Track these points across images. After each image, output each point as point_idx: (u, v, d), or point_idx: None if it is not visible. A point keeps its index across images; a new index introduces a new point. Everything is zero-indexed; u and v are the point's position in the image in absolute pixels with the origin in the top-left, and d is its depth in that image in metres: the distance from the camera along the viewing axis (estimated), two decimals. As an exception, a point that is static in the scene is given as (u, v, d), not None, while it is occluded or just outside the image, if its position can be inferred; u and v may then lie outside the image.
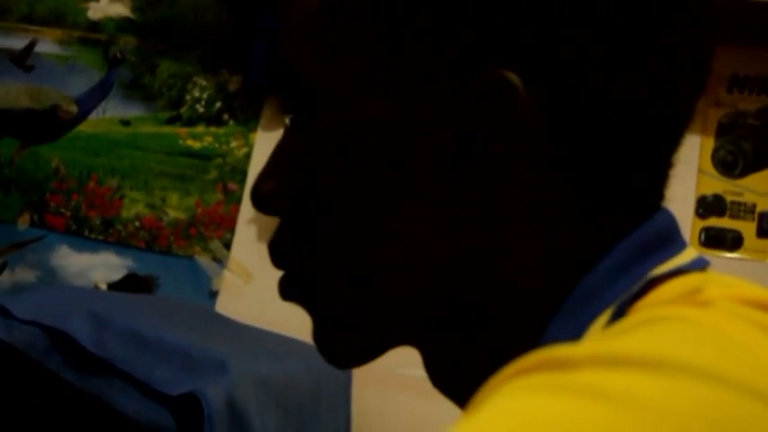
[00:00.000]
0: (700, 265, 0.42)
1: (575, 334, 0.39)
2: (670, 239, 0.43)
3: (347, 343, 0.46)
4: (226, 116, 1.82)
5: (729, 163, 1.60)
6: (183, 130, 1.83)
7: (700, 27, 0.43)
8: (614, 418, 0.26)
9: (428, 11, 0.41)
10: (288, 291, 0.47)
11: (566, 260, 0.42)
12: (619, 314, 0.37)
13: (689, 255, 0.43)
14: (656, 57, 0.41)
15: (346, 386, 1.51)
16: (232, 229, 1.77)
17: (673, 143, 0.44)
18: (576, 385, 0.28)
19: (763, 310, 0.34)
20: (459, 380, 0.45)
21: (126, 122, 1.86)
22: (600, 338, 0.36)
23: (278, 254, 0.46)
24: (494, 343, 0.43)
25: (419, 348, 0.46)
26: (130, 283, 1.78)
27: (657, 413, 0.26)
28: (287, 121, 0.47)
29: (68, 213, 1.83)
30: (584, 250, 0.41)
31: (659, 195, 0.44)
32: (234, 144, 1.81)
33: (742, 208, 1.59)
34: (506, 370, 0.30)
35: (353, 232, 0.43)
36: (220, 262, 1.76)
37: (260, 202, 0.47)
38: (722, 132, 1.61)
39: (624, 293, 0.38)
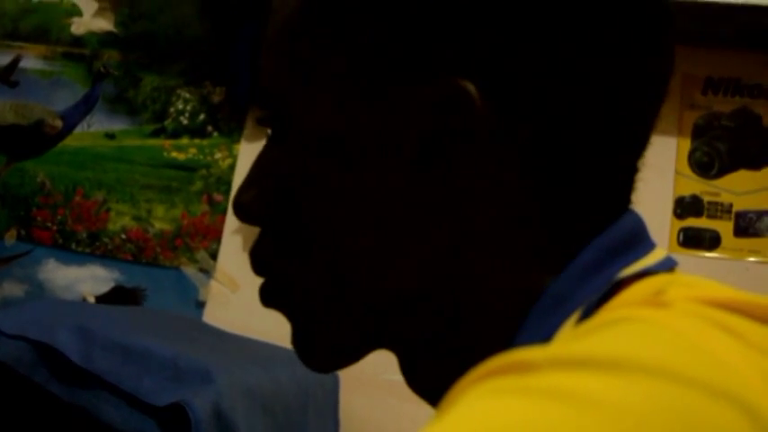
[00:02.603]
0: (667, 266, 0.43)
1: (545, 335, 0.40)
2: (638, 241, 0.44)
3: (325, 346, 0.47)
4: (210, 128, 1.83)
5: (706, 164, 1.61)
6: (168, 143, 1.84)
7: (658, 32, 0.44)
8: (574, 419, 0.27)
9: (384, 22, 0.43)
10: (268, 297, 0.48)
11: (534, 263, 0.42)
12: (586, 316, 0.38)
13: (657, 255, 0.43)
14: (612, 63, 0.42)
15: (334, 393, 1.52)
16: (218, 240, 1.77)
17: (635, 147, 0.45)
18: (538, 387, 0.29)
19: (725, 309, 0.35)
20: (434, 382, 0.46)
21: (111, 136, 1.87)
22: (563, 341, 0.37)
23: (258, 261, 0.48)
24: (466, 345, 0.44)
25: (394, 351, 0.48)
26: (118, 296, 1.78)
27: (616, 412, 0.27)
28: (269, 132, 0.48)
29: (55, 227, 1.84)
30: (552, 253, 0.42)
31: (626, 198, 0.45)
32: (218, 155, 1.82)
33: (719, 208, 1.60)
34: (473, 373, 0.31)
35: (327, 238, 0.45)
36: (207, 272, 1.76)
37: (241, 211, 0.48)
38: (698, 134, 1.62)
39: (592, 295, 0.39)
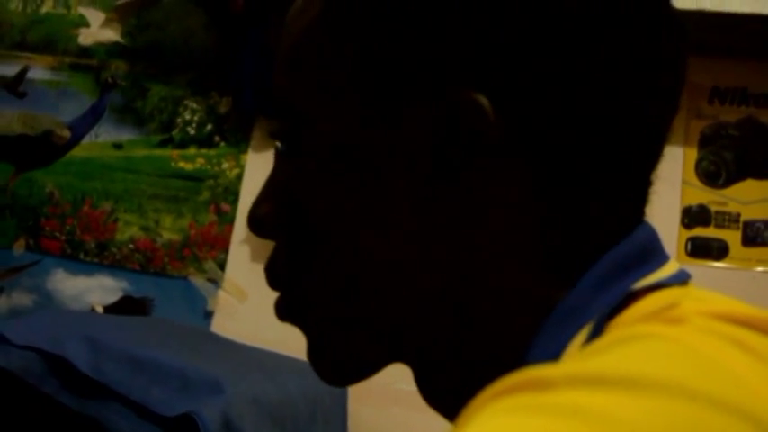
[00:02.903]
0: (680, 279, 0.43)
1: (558, 349, 0.40)
2: (651, 254, 0.43)
3: (341, 361, 0.48)
4: (217, 138, 1.84)
5: (713, 173, 1.61)
6: (175, 153, 1.85)
7: (671, 46, 0.44)
8: None
9: (397, 36, 0.43)
10: (283, 312, 0.48)
11: (547, 276, 0.43)
12: (597, 330, 0.38)
13: (670, 268, 0.43)
14: (626, 76, 0.42)
15: (342, 402, 1.52)
16: (226, 250, 1.78)
17: (649, 161, 0.45)
18: (554, 405, 0.29)
19: (737, 324, 0.35)
20: (449, 395, 0.46)
21: (118, 146, 1.88)
22: (577, 357, 0.37)
23: (273, 276, 0.48)
24: (480, 358, 0.44)
25: (409, 364, 0.48)
26: (126, 306, 1.79)
27: (632, 429, 0.27)
28: (278, 144, 0.49)
29: (63, 237, 1.84)
30: (566, 266, 0.42)
31: (640, 211, 0.45)
32: (225, 165, 1.82)
33: (726, 217, 1.60)
34: (488, 390, 0.31)
35: (341, 252, 0.45)
36: (215, 282, 1.77)
37: (256, 226, 0.49)
38: (705, 143, 1.63)
39: (605, 308, 0.39)
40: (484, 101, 0.41)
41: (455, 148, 0.42)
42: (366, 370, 0.48)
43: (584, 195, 0.43)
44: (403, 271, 0.44)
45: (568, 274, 0.42)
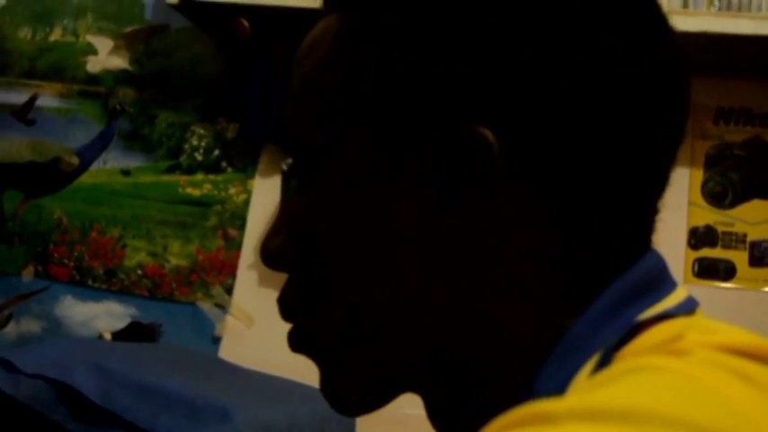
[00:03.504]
0: (687, 308, 0.43)
1: (565, 379, 0.40)
2: (658, 282, 0.44)
3: (354, 392, 0.48)
4: (224, 164, 1.85)
5: (719, 194, 1.61)
6: (183, 179, 1.86)
7: (675, 75, 0.45)
8: None
9: (404, 73, 0.44)
10: (297, 343, 0.49)
11: (554, 306, 0.43)
12: (604, 361, 0.38)
13: (677, 297, 0.43)
14: (631, 107, 0.43)
15: (350, 428, 1.52)
16: (233, 275, 1.78)
17: (655, 189, 0.45)
18: None
19: (741, 356, 0.35)
20: (459, 425, 0.46)
21: (126, 172, 1.89)
22: (581, 390, 0.37)
23: (287, 308, 0.49)
24: (488, 389, 0.44)
25: (421, 395, 0.48)
26: (134, 331, 1.79)
27: None
28: (284, 167, 0.49)
29: (72, 264, 1.85)
30: (573, 296, 0.43)
31: (646, 239, 0.46)
32: (233, 191, 1.83)
33: (733, 238, 1.60)
34: (493, 425, 0.32)
35: (353, 285, 0.45)
36: (223, 307, 1.77)
37: (268, 258, 0.49)
38: (710, 164, 1.63)
39: (611, 339, 0.39)
40: (488, 134, 0.41)
41: (460, 181, 0.42)
42: (378, 401, 0.48)
43: (590, 225, 0.43)
44: (413, 304, 0.44)
45: (576, 303, 0.42)
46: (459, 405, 0.46)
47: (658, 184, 0.45)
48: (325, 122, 0.46)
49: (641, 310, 0.41)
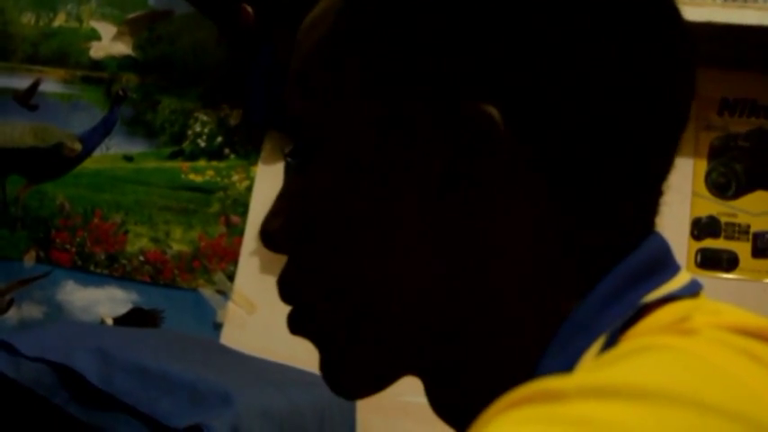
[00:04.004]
0: (692, 290, 0.43)
1: (569, 362, 0.40)
2: (662, 265, 0.44)
3: (354, 375, 0.48)
4: (227, 150, 1.84)
5: (722, 185, 1.61)
6: (186, 165, 1.86)
7: (681, 56, 0.45)
8: None
9: (407, 51, 0.43)
10: (296, 325, 0.49)
11: (558, 288, 0.43)
12: (611, 342, 0.38)
13: (681, 280, 0.43)
14: (637, 87, 0.43)
15: (351, 414, 1.52)
16: (235, 262, 1.78)
17: (661, 171, 0.45)
18: (566, 417, 0.29)
19: (748, 336, 0.35)
20: (459, 407, 0.46)
21: (129, 158, 1.89)
22: (589, 369, 0.37)
23: (286, 289, 0.49)
24: (490, 370, 0.44)
25: (420, 377, 0.48)
26: (136, 317, 1.79)
27: None
28: (287, 153, 0.49)
29: (74, 249, 1.85)
30: (577, 278, 0.42)
31: (651, 222, 0.45)
32: (235, 177, 1.83)
33: (736, 229, 1.60)
34: (499, 402, 0.31)
35: (353, 266, 0.45)
36: (224, 294, 1.77)
37: (268, 240, 0.49)
38: (714, 155, 1.62)
39: (616, 321, 0.39)
40: (494, 112, 0.41)
41: (465, 160, 0.42)
42: (378, 383, 0.48)
43: (595, 207, 0.43)
44: (415, 285, 0.44)
45: (580, 285, 0.42)
46: (460, 387, 0.46)
47: (663, 166, 0.45)
48: (326, 103, 0.46)
49: (647, 291, 0.41)
